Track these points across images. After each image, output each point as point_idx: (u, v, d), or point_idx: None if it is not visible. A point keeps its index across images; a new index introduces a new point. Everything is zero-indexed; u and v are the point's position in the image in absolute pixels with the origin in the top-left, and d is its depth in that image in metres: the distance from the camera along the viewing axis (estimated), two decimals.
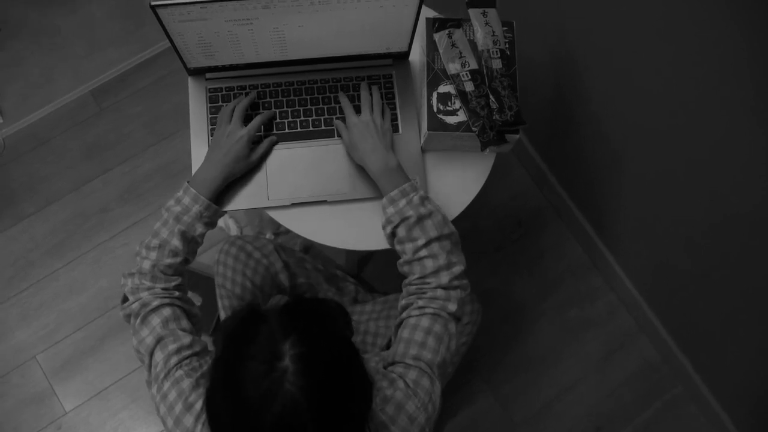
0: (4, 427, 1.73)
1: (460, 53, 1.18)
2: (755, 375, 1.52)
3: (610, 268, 1.82)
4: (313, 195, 1.17)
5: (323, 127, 1.20)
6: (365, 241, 1.19)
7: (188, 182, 1.09)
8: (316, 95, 1.21)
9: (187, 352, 0.96)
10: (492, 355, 1.83)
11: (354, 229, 1.19)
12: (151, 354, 0.97)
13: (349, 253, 1.69)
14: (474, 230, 1.92)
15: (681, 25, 1.10)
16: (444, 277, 1.01)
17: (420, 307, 1.00)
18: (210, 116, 1.19)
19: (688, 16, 1.08)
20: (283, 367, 0.72)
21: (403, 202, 1.04)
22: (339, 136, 1.19)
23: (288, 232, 1.77)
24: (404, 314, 1.01)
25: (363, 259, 1.81)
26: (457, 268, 1.03)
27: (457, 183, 1.22)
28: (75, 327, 1.81)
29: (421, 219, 1.03)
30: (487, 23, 1.19)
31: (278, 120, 1.20)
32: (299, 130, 1.20)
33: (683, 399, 1.83)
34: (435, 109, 1.17)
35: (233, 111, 1.14)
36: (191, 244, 1.08)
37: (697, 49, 1.10)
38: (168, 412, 0.93)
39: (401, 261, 1.06)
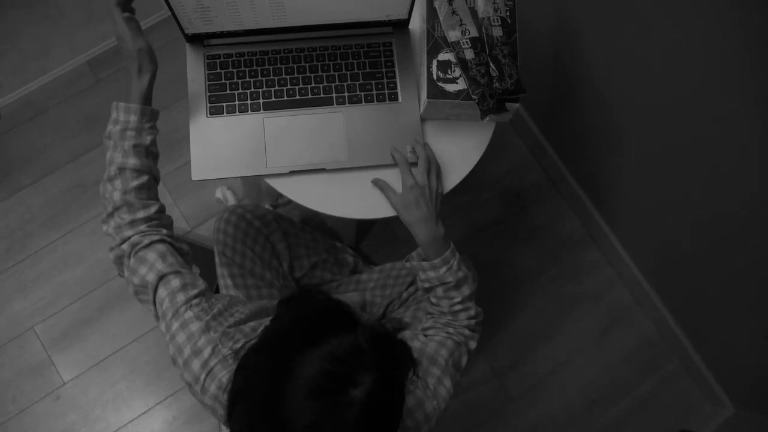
0: (3, 397, 1.74)
1: (461, 21, 1.17)
2: (750, 350, 1.52)
3: (608, 243, 1.83)
4: (312, 163, 1.17)
5: (322, 95, 1.19)
6: (365, 209, 1.18)
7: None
8: (315, 63, 1.20)
9: (193, 291, 0.95)
10: (489, 328, 1.83)
11: (353, 197, 1.19)
12: (155, 290, 0.95)
13: (348, 224, 1.68)
14: (472, 203, 1.92)
15: (683, 21, 1.10)
16: (472, 322, 1.13)
17: (448, 333, 1.09)
18: (208, 83, 1.18)
19: (691, 7, 1.07)
20: (354, 398, 0.70)
21: (443, 269, 1.10)
22: (338, 101, 1.19)
23: (287, 203, 1.77)
24: (429, 332, 1.10)
25: (361, 230, 1.81)
26: (481, 317, 1.14)
27: (457, 152, 1.21)
28: (73, 298, 1.81)
29: (458, 283, 1.11)
30: None
31: (277, 87, 1.19)
32: (298, 97, 1.19)
33: (679, 373, 1.84)
34: (435, 77, 1.16)
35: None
36: (149, 157, 1.06)
37: (703, 24, 1.09)
38: (177, 354, 0.92)
39: (434, 309, 1.15)
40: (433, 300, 1.14)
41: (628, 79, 1.35)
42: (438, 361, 1.03)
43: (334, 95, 1.20)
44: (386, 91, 1.21)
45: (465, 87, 1.15)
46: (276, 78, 1.19)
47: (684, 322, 1.74)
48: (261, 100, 1.18)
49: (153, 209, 1.03)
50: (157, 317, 0.97)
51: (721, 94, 1.14)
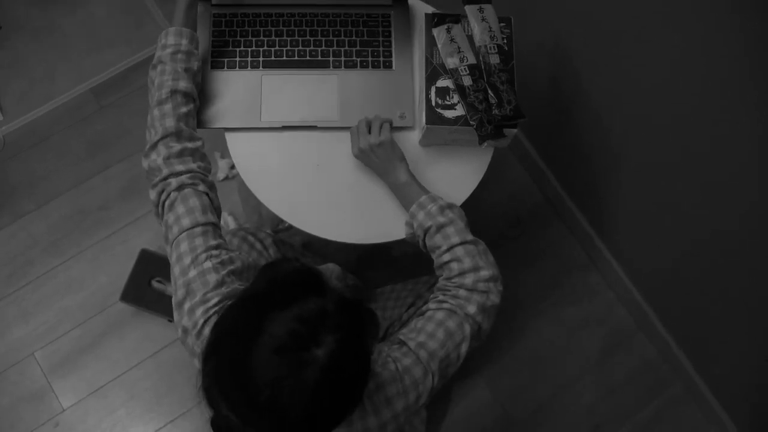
0: (2, 424, 1.73)
1: (459, 48, 1.19)
2: (753, 373, 1.52)
3: (609, 267, 1.83)
4: (304, 120, 1.22)
5: (319, 58, 1.26)
6: (364, 234, 1.19)
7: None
8: (315, 27, 1.27)
9: (213, 242, 0.96)
10: (490, 352, 1.83)
11: (353, 222, 1.20)
12: (179, 233, 0.96)
13: (349, 248, 1.68)
14: (472, 228, 1.92)
15: (683, 17, 1.10)
16: (468, 279, 1.03)
17: (439, 301, 1.02)
18: (212, 39, 1.25)
19: (691, 8, 1.08)
20: (315, 357, 0.72)
21: (422, 215, 1.08)
22: (334, 65, 1.25)
23: (288, 229, 1.77)
24: (424, 307, 1.04)
25: (362, 254, 1.81)
26: (484, 273, 1.03)
27: (455, 178, 1.22)
28: (74, 324, 1.81)
29: (441, 227, 1.06)
30: (483, 19, 1.20)
31: (277, 48, 1.25)
32: (296, 58, 1.25)
33: (682, 397, 1.83)
34: (433, 103, 1.18)
35: None
36: (195, 83, 1.09)
37: (700, 42, 1.10)
38: (188, 298, 0.93)
39: (434, 267, 1.10)
40: (432, 256, 1.10)
41: (626, 97, 1.36)
42: (419, 340, 0.97)
43: (331, 59, 1.26)
44: (381, 59, 1.26)
45: (463, 113, 1.17)
46: (277, 39, 1.26)
47: (685, 345, 1.74)
48: (261, 59, 1.25)
49: (200, 143, 1.05)
50: (169, 256, 0.98)
51: (721, 113, 1.14)
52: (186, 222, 0.96)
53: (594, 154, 1.60)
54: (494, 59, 1.18)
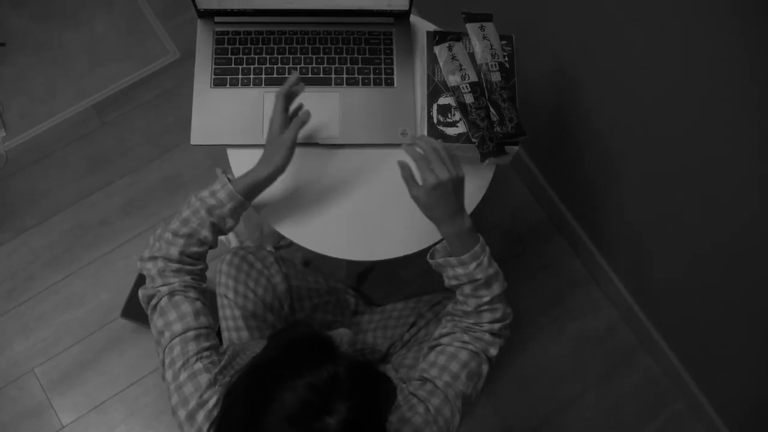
0: None
1: (460, 66, 1.19)
2: (756, 389, 1.51)
3: (611, 283, 1.82)
4: (306, 137, 1.23)
5: (321, 75, 1.27)
6: (366, 252, 1.19)
7: (228, 178, 1.09)
8: (317, 45, 1.28)
9: (205, 344, 0.97)
10: (492, 368, 1.81)
11: (354, 240, 1.20)
12: (171, 339, 0.97)
13: (349, 265, 1.69)
14: None
15: (683, 20, 1.10)
16: (497, 326, 1.04)
17: (464, 342, 1.03)
18: (215, 56, 1.26)
19: (692, 11, 1.07)
20: (327, 425, 0.72)
21: (473, 266, 1.03)
22: (336, 82, 1.25)
23: (289, 245, 1.78)
24: (443, 340, 1.03)
25: (363, 272, 1.81)
26: (508, 320, 1.06)
27: None
28: (74, 340, 1.80)
29: (488, 281, 1.04)
30: (485, 37, 1.20)
31: (279, 65, 1.26)
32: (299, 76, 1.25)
33: (685, 414, 1.82)
34: (435, 121, 1.18)
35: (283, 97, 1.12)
36: (218, 234, 1.10)
37: (701, 44, 1.09)
38: (182, 405, 0.93)
39: (457, 307, 1.06)
40: (460, 298, 1.05)
41: (626, 106, 1.36)
42: (445, 379, 0.99)
43: (333, 76, 1.26)
44: (383, 76, 1.27)
45: (465, 130, 1.17)
46: (279, 56, 1.27)
47: (688, 362, 1.73)
48: (263, 76, 1.26)
49: (199, 267, 1.07)
50: (162, 363, 0.98)
51: (723, 127, 1.14)
52: (178, 327, 0.97)
53: (594, 168, 1.61)
54: (496, 77, 1.18)
